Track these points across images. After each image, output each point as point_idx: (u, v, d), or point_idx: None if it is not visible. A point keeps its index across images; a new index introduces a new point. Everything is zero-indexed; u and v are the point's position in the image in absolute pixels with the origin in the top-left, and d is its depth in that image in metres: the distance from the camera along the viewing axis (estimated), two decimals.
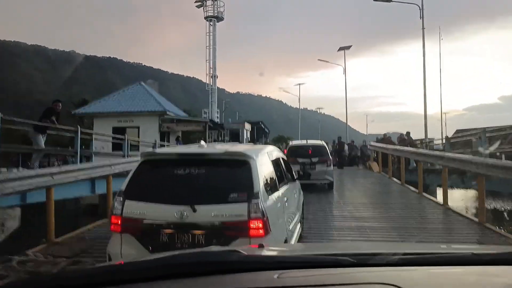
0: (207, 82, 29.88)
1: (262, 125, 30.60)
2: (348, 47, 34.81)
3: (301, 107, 51.07)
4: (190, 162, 4.14)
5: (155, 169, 4.28)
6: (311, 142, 14.77)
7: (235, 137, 24.91)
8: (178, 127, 23.37)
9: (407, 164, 16.44)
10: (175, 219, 3.76)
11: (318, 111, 64.72)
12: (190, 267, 1.12)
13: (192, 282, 1.07)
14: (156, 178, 4.23)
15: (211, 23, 30.30)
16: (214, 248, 1.81)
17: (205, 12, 30.31)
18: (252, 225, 3.74)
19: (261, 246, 1.51)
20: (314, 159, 12.05)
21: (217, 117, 29.84)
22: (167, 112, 23.11)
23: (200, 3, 30.18)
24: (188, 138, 24.31)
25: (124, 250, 3.90)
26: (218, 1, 30.50)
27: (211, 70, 29.80)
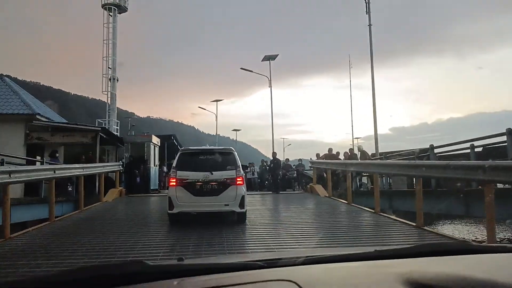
0: (105, 84, 23.39)
1: (174, 141, 24.65)
2: (274, 56, 31.05)
3: (213, 133, 46.42)
4: (206, 152, 9.75)
5: (188, 156, 9.46)
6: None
7: (140, 153, 18.81)
8: (54, 138, 16.58)
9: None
10: (202, 178, 8.77)
11: (236, 133, 60.23)
12: (93, 281, 1.10)
13: None
14: (190, 160, 9.30)
15: (110, 13, 24.13)
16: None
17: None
18: (238, 180, 8.91)
19: (180, 259, 1.41)
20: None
21: (117, 129, 23.38)
22: (38, 117, 16.24)
23: None
24: (73, 153, 17.67)
25: (178, 193, 8.72)
26: None
27: (110, 70, 23.46)
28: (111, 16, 24.00)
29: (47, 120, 17.01)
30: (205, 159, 9.31)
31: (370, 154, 17.99)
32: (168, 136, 23.83)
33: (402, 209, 12.45)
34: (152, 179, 19.02)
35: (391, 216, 10.26)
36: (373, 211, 10.76)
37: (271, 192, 18.15)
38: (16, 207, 11.29)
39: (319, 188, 16.35)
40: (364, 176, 16.78)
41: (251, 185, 21.72)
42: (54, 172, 9.48)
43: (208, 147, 11.93)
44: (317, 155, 18.98)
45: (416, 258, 1.35)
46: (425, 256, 1.35)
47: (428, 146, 12.47)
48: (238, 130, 60.67)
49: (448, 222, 17.68)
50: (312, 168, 18.62)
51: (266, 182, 22.80)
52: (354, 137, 38.13)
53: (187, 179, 8.76)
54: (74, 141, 16.95)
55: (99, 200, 13.91)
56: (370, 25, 18.00)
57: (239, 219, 9.01)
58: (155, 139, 19.99)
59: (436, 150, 12.64)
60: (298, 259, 1.29)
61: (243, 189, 8.99)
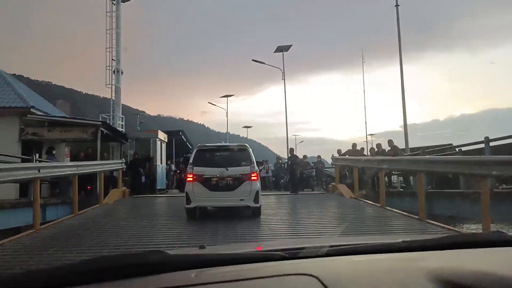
0: (108, 77, 21.88)
1: (183, 137, 23.06)
2: (288, 47, 29.33)
3: (223, 131, 45.14)
4: (222, 149, 10.09)
5: (205, 152, 9.68)
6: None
7: (145, 150, 17.28)
8: (51, 134, 15.11)
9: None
10: (218, 173, 9.00)
11: (246, 130, 58.48)
12: (113, 270, 1.09)
13: (113, 285, 1.05)
14: (207, 156, 9.54)
15: (113, 1, 22.59)
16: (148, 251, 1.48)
17: None
18: (252, 175, 9.12)
19: (202, 247, 1.46)
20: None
21: (122, 124, 21.89)
22: (33, 110, 14.76)
23: None
24: (77, 150, 16.14)
25: (195, 189, 8.99)
26: None
27: (113, 61, 21.96)
28: (114, 4, 22.51)
29: (43, 114, 15.55)
30: (221, 155, 9.68)
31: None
32: (176, 132, 22.24)
33: (446, 213, 10.71)
34: (159, 178, 17.51)
35: (440, 224, 8.50)
36: (416, 217, 9.03)
37: (288, 193, 16.50)
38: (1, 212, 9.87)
39: (343, 188, 14.64)
40: (394, 174, 15.01)
41: (265, 184, 20.09)
42: (39, 171, 7.95)
43: (223, 143, 12.04)
44: (339, 151, 17.25)
45: (446, 250, 1.26)
46: (456, 248, 1.27)
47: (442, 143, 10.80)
48: (249, 127, 59.00)
49: None
50: (333, 166, 16.96)
51: (282, 181, 21.16)
52: (367, 133, 36.49)
53: (204, 175, 9.13)
54: (73, 136, 15.45)
55: (98, 202, 12.42)
56: (397, 5, 16.20)
57: (254, 213, 9.35)
58: (162, 135, 18.45)
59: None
60: (321, 250, 1.25)
61: (257, 184, 9.36)
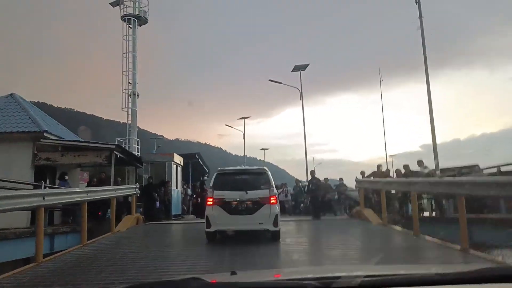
0: (124, 100, 21.65)
1: (199, 160, 22.45)
2: (305, 66, 28.81)
3: (240, 154, 44.78)
4: (241, 172, 10.33)
5: (224, 176, 9.71)
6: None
7: (160, 174, 16.70)
8: (64, 158, 14.71)
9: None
10: (238, 197, 9.05)
11: (263, 152, 57.90)
12: None
13: None
14: (226, 179, 9.57)
15: (129, 25, 22.61)
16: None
17: (121, 11, 22.60)
18: (271, 199, 9.15)
19: (233, 273, 1.50)
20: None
21: (138, 148, 21.48)
22: (46, 135, 14.43)
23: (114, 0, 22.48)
24: (95, 175, 15.68)
25: (215, 213, 9.03)
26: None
27: (130, 85, 21.76)
28: (130, 28, 22.53)
29: (57, 138, 15.21)
30: (240, 179, 9.76)
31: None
32: (192, 155, 21.68)
33: (488, 242, 9.60)
34: (174, 203, 16.83)
35: (487, 257, 7.43)
36: (457, 247, 7.98)
37: (309, 218, 15.55)
38: (5, 243, 9.30)
39: (369, 213, 13.64)
40: (424, 198, 13.94)
41: (283, 209, 19.16)
42: (43, 198, 7.36)
43: (242, 167, 12.79)
44: (362, 173, 16.30)
45: (481, 284, 1.23)
46: (491, 282, 1.23)
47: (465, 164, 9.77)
48: (266, 149, 58.53)
49: None
50: (356, 189, 15.99)
51: (302, 205, 20.18)
52: (387, 154, 35.34)
53: (223, 198, 9.17)
54: (86, 161, 15.04)
55: (110, 230, 11.77)
56: (421, 17, 15.47)
57: (273, 237, 9.27)
58: (178, 158, 17.87)
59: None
60: (354, 280, 1.22)
61: (276, 208, 9.31)
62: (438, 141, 15.18)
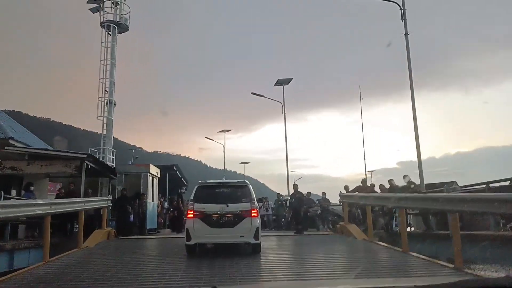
0: (100, 108, 20.71)
1: (177, 172, 21.58)
2: (288, 81, 28.55)
3: (220, 168, 44.35)
4: (222, 185, 10.07)
5: (206, 188, 9.68)
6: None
7: (135, 186, 15.80)
8: (30, 168, 13.70)
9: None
10: (219, 210, 9.00)
11: (244, 166, 57.13)
12: None
13: None
14: (208, 192, 9.56)
15: (109, 32, 21.83)
16: None
17: (101, 17, 21.81)
18: (252, 212, 9.14)
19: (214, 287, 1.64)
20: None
21: (112, 158, 20.50)
22: (12, 142, 13.42)
23: (94, 5, 21.72)
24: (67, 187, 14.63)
25: (195, 226, 9.01)
26: (122, 6, 22.36)
27: (106, 93, 20.87)
28: (110, 35, 21.76)
29: (24, 146, 14.21)
30: (221, 192, 9.68)
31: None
32: (170, 166, 20.83)
33: (479, 258, 9.17)
34: (150, 216, 15.93)
35: (485, 276, 6.96)
36: (451, 265, 7.49)
37: (292, 233, 14.91)
38: None
39: (353, 229, 13.11)
40: (410, 214, 13.52)
41: (264, 223, 18.49)
42: None
43: (224, 180, 12.39)
44: (346, 187, 15.84)
45: None
46: None
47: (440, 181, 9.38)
48: (247, 163, 57.76)
49: None
50: (340, 204, 15.50)
51: (283, 219, 19.57)
52: (367, 170, 35.78)
53: (204, 211, 9.11)
54: (55, 171, 14.06)
55: (77, 246, 10.84)
56: (407, 34, 15.33)
57: (254, 250, 9.28)
58: (154, 169, 17.02)
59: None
60: None
61: (257, 221, 9.35)
62: (414, 159, 14.88)
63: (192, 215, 9.14)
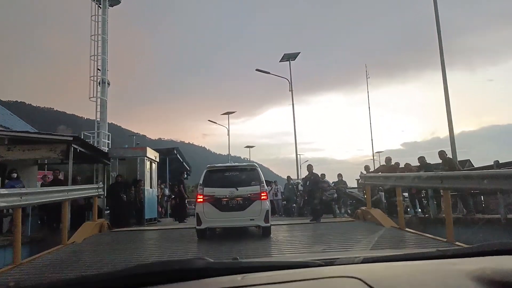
0: (92, 88, 18.96)
1: (178, 156, 19.93)
2: (295, 55, 26.61)
3: (224, 153, 42.86)
4: (231, 169, 9.88)
5: (214, 173, 9.58)
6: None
7: (131, 171, 14.23)
8: (11, 154, 12.10)
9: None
10: (228, 194, 9.02)
11: (248, 150, 55.47)
12: (156, 276, 1.09)
13: None
14: (216, 176, 9.45)
15: (99, 5, 19.91)
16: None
17: None
18: (262, 195, 9.13)
19: (235, 259, 1.41)
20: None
21: (108, 143, 18.87)
22: None
23: None
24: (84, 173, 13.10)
25: (205, 210, 8.98)
26: None
27: (99, 72, 19.09)
28: (100, 8, 19.85)
29: (4, 129, 12.57)
30: (230, 175, 9.60)
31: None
32: (170, 150, 19.12)
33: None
34: (148, 205, 14.36)
35: None
36: None
37: (305, 220, 13.32)
38: None
39: (378, 215, 11.48)
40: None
41: (273, 209, 16.85)
42: None
43: (232, 164, 12.03)
44: (367, 167, 14.18)
45: (482, 257, 1.23)
46: (491, 255, 1.24)
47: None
48: (252, 147, 56.06)
49: None
50: (359, 187, 13.87)
51: (295, 205, 17.98)
52: (374, 151, 34.47)
53: (214, 195, 9.13)
54: (39, 156, 12.44)
55: (61, 242, 9.31)
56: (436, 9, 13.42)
57: (264, 233, 9.30)
58: (152, 153, 15.39)
59: None
60: (356, 258, 1.26)
61: (267, 203, 9.32)
62: (419, 139, 13.29)
63: (202, 200, 9.19)
